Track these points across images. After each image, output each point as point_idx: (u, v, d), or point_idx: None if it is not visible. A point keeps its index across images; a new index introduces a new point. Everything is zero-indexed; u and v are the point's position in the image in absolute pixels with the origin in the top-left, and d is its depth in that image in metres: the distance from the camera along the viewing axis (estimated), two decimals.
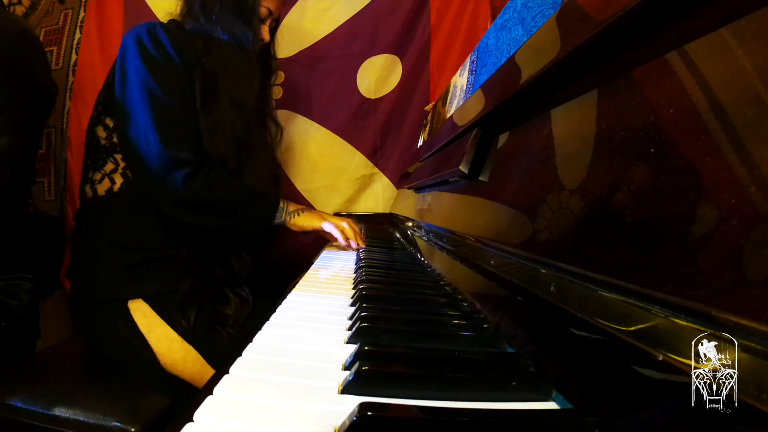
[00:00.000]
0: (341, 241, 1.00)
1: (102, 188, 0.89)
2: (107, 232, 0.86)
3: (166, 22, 0.99)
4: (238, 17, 0.95)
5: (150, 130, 0.81)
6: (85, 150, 0.94)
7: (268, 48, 1.12)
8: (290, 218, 0.96)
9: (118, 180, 0.88)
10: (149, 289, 0.84)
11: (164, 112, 0.83)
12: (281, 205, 0.96)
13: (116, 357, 0.84)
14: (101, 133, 0.90)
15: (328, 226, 0.99)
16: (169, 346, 0.81)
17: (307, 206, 1.31)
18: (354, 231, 1.02)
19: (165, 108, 0.83)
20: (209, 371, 0.81)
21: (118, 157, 0.89)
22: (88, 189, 0.91)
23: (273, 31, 1.09)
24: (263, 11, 1.00)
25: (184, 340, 0.81)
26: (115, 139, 0.89)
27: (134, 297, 0.83)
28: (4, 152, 0.90)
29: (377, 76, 1.53)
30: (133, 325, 0.81)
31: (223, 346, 0.81)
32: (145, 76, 0.83)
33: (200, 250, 0.90)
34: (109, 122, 0.90)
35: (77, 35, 1.54)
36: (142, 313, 0.82)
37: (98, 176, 0.90)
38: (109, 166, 0.89)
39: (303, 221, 0.97)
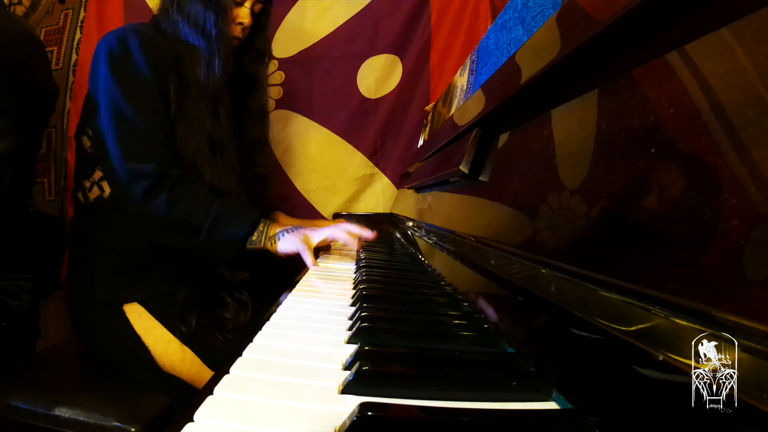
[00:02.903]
0: (309, 265, 0.84)
1: (92, 195, 0.90)
2: (101, 237, 0.87)
3: (150, 20, 0.97)
4: (200, 1, 0.90)
5: (112, 141, 0.80)
6: (75, 158, 0.95)
7: (255, 32, 1.04)
8: (271, 243, 0.86)
9: (107, 188, 0.89)
10: (145, 293, 0.84)
11: (127, 123, 0.81)
12: (260, 228, 0.86)
13: (115, 359, 0.84)
14: (86, 142, 0.91)
15: (306, 255, 0.84)
16: (167, 347, 0.81)
17: (302, 212, 1.26)
18: (351, 234, 0.90)
19: (128, 119, 0.81)
20: (208, 372, 0.81)
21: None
22: (80, 195, 0.92)
23: (260, 13, 1.01)
24: None
25: (181, 343, 0.81)
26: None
27: (130, 300, 0.83)
28: (5, 154, 0.90)
29: (377, 76, 1.53)
30: (129, 327, 0.81)
31: (222, 350, 0.81)
32: (111, 87, 0.82)
33: (189, 259, 0.88)
34: (90, 131, 0.90)
35: (77, 35, 1.54)
36: (138, 315, 0.82)
37: (88, 184, 0.90)
38: (98, 174, 0.90)
39: (285, 245, 0.85)
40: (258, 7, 0.99)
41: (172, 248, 0.84)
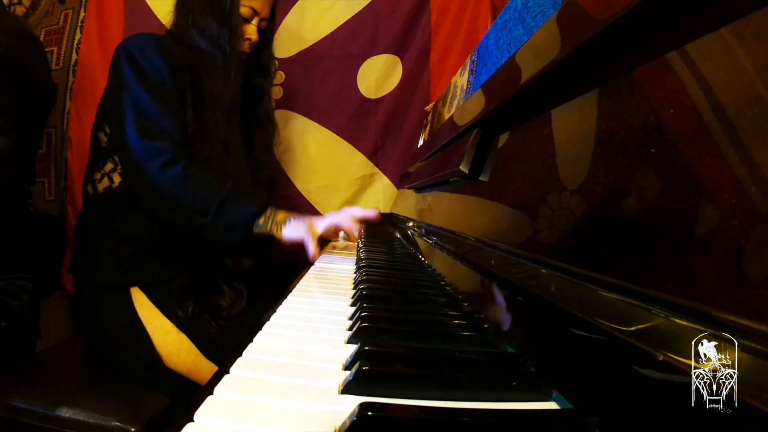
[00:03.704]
0: (311, 253, 0.86)
1: (101, 186, 0.93)
2: (108, 224, 0.90)
3: (164, 32, 1.02)
4: (214, 18, 0.96)
5: (131, 126, 0.83)
6: (89, 154, 0.98)
7: (262, 46, 1.12)
8: (277, 229, 0.86)
9: (117, 179, 0.92)
10: (147, 277, 0.86)
11: (145, 110, 0.85)
12: (268, 213, 0.87)
13: (115, 347, 0.85)
14: (103, 137, 0.94)
15: (309, 244, 0.86)
16: (165, 337, 0.83)
17: (302, 212, 1.29)
18: (355, 219, 0.92)
19: (146, 107, 0.85)
20: (203, 362, 0.83)
21: (117, 158, 0.92)
22: (89, 188, 0.95)
23: (265, 30, 1.09)
24: (245, 11, 1.00)
25: (178, 331, 0.83)
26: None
27: (133, 284, 0.86)
28: (4, 153, 0.90)
29: (377, 76, 1.53)
30: (134, 313, 0.84)
31: (216, 337, 0.83)
32: (129, 80, 0.86)
33: (197, 246, 0.91)
34: (108, 128, 0.94)
35: (77, 35, 1.54)
36: (140, 305, 0.85)
37: (98, 176, 0.94)
38: (109, 166, 0.93)
39: (290, 232, 0.86)
40: (263, 24, 1.06)
41: (178, 227, 0.86)
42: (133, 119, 0.83)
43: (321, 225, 0.89)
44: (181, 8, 1.00)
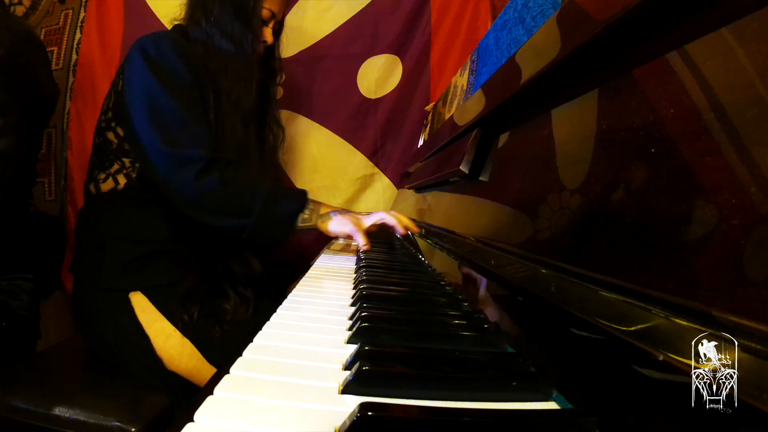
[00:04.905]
0: (362, 246, 0.89)
1: (106, 187, 0.91)
2: (112, 225, 0.89)
3: (170, 28, 1.01)
4: (237, 19, 0.95)
5: (152, 132, 0.81)
6: (92, 151, 0.96)
7: (272, 50, 1.12)
8: (321, 221, 0.87)
9: (122, 180, 0.91)
10: (151, 281, 0.85)
11: (167, 114, 0.83)
12: (311, 206, 0.87)
13: (115, 349, 0.84)
14: (112, 138, 0.92)
15: (359, 237, 0.88)
16: (166, 341, 0.82)
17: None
18: (400, 221, 0.94)
19: (168, 111, 0.83)
20: (205, 366, 0.82)
21: (126, 160, 0.91)
22: (92, 187, 0.93)
23: (277, 33, 1.09)
24: (265, 13, 1.00)
25: (181, 335, 0.82)
26: (126, 146, 0.91)
27: (136, 288, 0.84)
28: (5, 153, 0.90)
29: (378, 76, 1.53)
30: (133, 316, 0.83)
31: (218, 341, 0.82)
32: (149, 83, 0.84)
33: (203, 249, 0.91)
34: (120, 131, 0.92)
35: (77, 35, 1.54)
36: (141, 308, 0.84)
37: (102, 176, 0.92)
38: (115, 168, 0.91)
39: (337, 226, 0.88)
40: (276, 27, 1.07)
41: (191, 230, 0.86)
42: (155, 126, 0.81)
43: (368, 221, 0.92)
44: (198, 4, 0.97)
